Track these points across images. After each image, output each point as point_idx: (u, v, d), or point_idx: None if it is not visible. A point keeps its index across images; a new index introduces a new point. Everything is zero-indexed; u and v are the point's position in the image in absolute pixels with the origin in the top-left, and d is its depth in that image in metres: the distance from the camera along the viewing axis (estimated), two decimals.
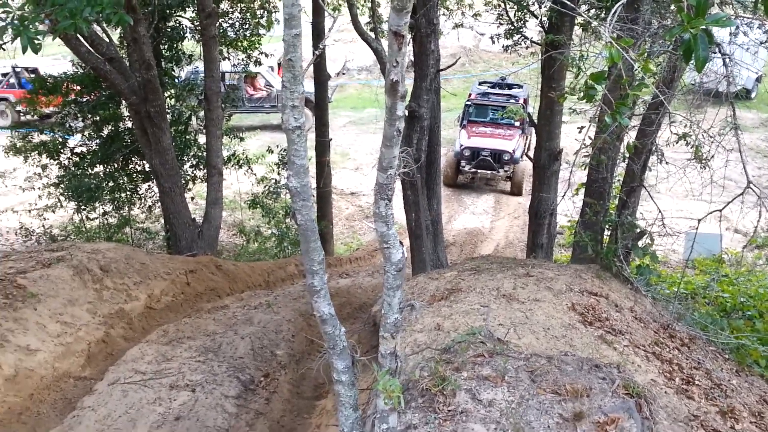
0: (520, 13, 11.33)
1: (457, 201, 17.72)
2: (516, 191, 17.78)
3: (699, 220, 6.05)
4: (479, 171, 17.74)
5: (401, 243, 3.08)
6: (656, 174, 7.05)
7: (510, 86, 19.26)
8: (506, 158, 17.29)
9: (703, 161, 6.49)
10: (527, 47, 11.86)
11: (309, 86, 15.47)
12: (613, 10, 3.40)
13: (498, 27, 12.11)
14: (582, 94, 3.41)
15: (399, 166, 2.91)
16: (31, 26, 4.16)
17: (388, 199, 2.92)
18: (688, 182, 6.54)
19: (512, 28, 11.63)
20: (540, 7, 10.78)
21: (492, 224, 16.64)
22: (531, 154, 12.33)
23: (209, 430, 4.91)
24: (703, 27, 2.40)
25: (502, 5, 11.72)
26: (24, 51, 4.14)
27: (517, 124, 18.15)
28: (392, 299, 3.05)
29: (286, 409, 5.66)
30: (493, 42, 12.39)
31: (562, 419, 3.27)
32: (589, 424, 3.26)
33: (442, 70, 8.53)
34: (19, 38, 4.04)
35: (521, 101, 18.11)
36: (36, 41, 4.05)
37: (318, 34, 13.10)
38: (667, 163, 6.88)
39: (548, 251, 9.93)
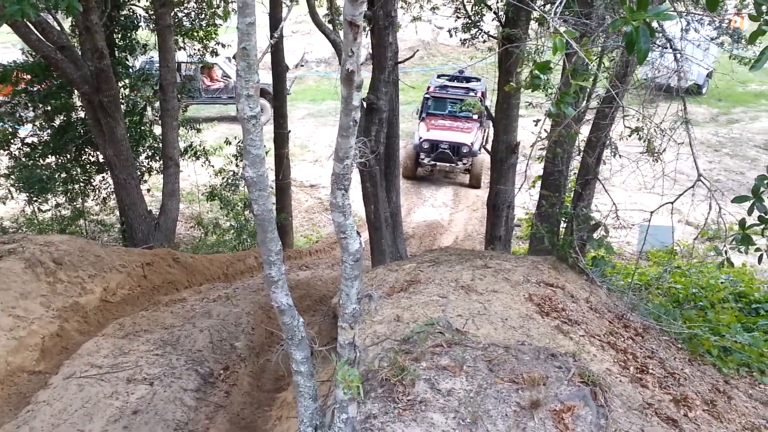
0: (477, 7, 11.41)
1: (416, 193, 17.82)
2: (475, 184, 17.90)
3: (651, 213, 6.21)
4: (438, 164, 17.75)
5: (359, 233, 3.10)
6: (610, 167, 7.20)
7: (468, 79, 19.34)
8: (465, 151, 17.36)
9: (655, 155, 6.65)
10: (484, 41, 11.96)
11: (267, 78, 15.35)
12: (559, 0, 3.48)
13: (455, 21, 12.19)
14: (528, 83, 3.47)
15: (356, 157, 2.93)
16: None
17: (345, 189, 2.93)
18: (641, 175, 6.70)
19: (469, 21, 11.72)
20: (497, 2, 10.88)
21: (451, 216, 16.78)
22: (489, 147, 12.48)
23: (168, 424, 4.88)
24: (645, 19, 2.47)
25: None
26: None
27: (475, 117, 18.28)
28: (350, 290, 3.06)
29: (246, 402, 5.64)
30: (451, 35, 12.46)
31: (520, 407, 3.34)
32: (545, 412, 3.34)
33: (400, 62, 8.56)
34: None
35: (479, 94, 18.22)
36: None
37: (275, 24, 12.98)
38: (620, 156, 7.03)
39: (506, 243, 10.07)
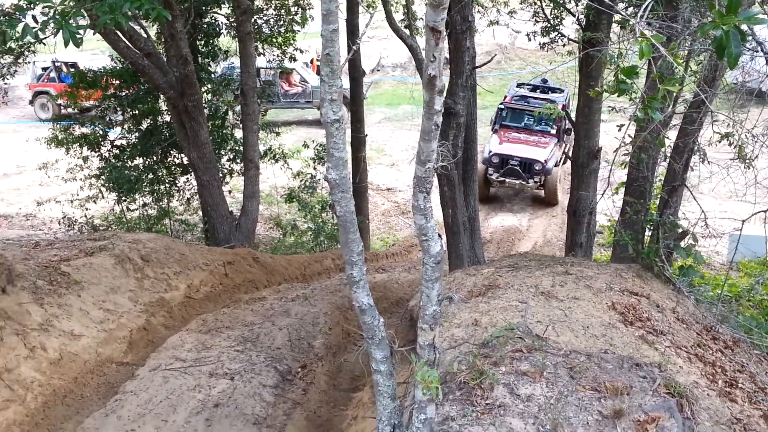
0: (556, 10, 11.26)
1: (495, 198, 17.64)
2: (550, 201, 16.92)
3: (743, 221, 5.96)
4: (507, 180, 16.55)
5: (440, 236, 3.10)
6: (698, 174, 6.97)
7: (551, 90, 18.28)
8: (537, 168, 16.18)
9: (747, 161, 6.40)
10: (564, 45, 11.77)
11: (344, 82, 15.50)
12: (645, 4, 3.39)
13: (534, 24, 12.05)
14: (614, 88, 3.40)
15: (437, 160, 2.94)
16: (72, 21, 4.26)
17: (427, 192, 2.95)
18: (732, 183, 6.45)
19: (548, 25, 11.56)
20: (577, 5, 10.70)
21: (530, 222, 16.54)
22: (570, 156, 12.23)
23: (247, 418, 4.98)
24: (735, 24, 2.39)
25: (538, 2, 11.66)
26: (66, 45, 4.24)
27: (554, 131, 17.14)
28: (431, 291, 3.07)
29: (322, 400, 5.71)
30: (530, 39, 12.33)
31: (602, 416, 3.27)
32: (629, 422, 3.25)
33: (477, 67, 8.52)
34: (60, 32, 4.12)
35: (560, 107, 16.84)
36: (77, 35, 4.14)
37: (353, 30, 13.15)
38: (709, 162, 6.79)
39: (587, 250, 9.86)
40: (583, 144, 9.81)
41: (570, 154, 13.99)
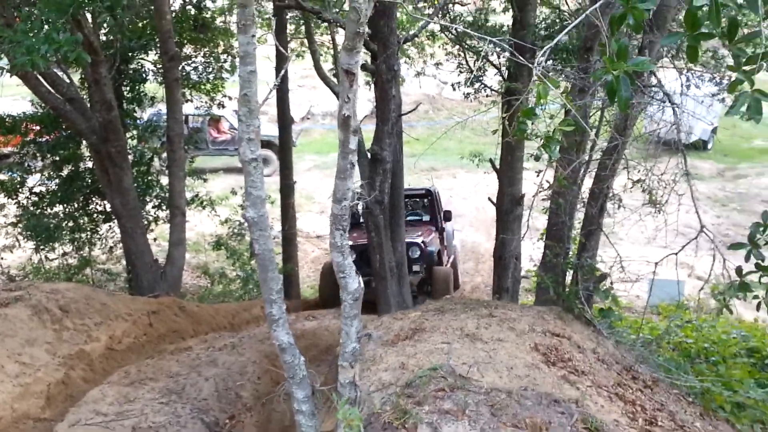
0: (479, 62, 11.69)
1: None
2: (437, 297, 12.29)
3: (656, 264, 6.24)
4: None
5: (358, 273, 3.17)
6: (614, 220, 7.28)
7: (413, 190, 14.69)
8: (415, 255, 12.13)
9: (657, 206, 6.74)
10: (487, 95, 12.20)
11: (273, 130, 15.60)
12: (541, 51, 3.63)
13: (458, 75, 12.46)
14: (515, 131, 3.59)
15: (353, 198, 3.03)
16: None
17: (344, 229, 3.04)
18: (645, 228, 6.76)
19: (472, 76, 11.98)
20: (498, 57, 11.14)
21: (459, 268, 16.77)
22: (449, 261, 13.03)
23: None
24: (624, 69, 2.60)
25: (462, 55, 12.08)
26: None
27: (428, 218, 14.49)
28: (350, 328, 3.13)
29: None
30: (454, 89, 12.74)
31: None
32: None
33: (403, 114, 8.72)
34: None
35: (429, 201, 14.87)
36: None
37: (282, 78, 13.29)
38: (624, 207, 7.12)
39: (513, 295, 10.09)
40: (506, 191, 10.12)
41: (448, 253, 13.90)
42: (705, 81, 10.34)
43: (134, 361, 7.18)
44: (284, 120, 13.96)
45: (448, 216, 14.42)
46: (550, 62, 10.14)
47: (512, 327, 5.34)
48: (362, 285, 3.09)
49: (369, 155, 8.18)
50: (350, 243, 9.33)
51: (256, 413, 6.11)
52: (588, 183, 7.16)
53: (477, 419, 3.52)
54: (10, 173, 11.75)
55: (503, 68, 11.18)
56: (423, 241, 12.64)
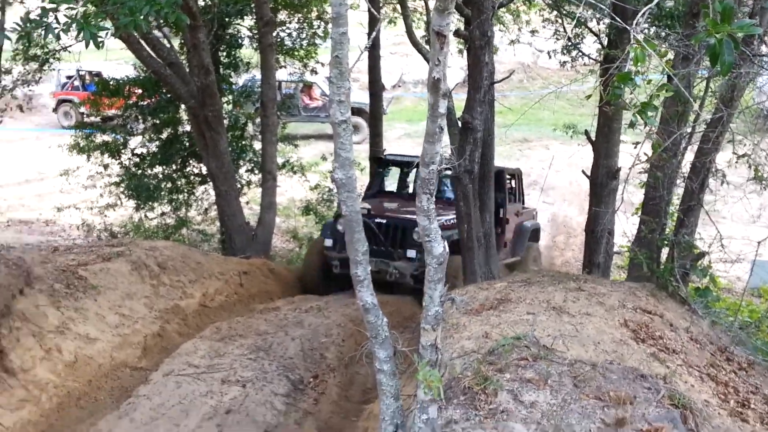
0: (577, 29, 11.30)
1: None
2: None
3: (758, 243, 5.93)
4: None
5: (443, 237, 3.15)
6: (715, 196, 6.94)
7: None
8: (415, 238, 8.93)
9: (764, 183, 6.37)
10: (584, 64, 11.80)
11: (364, 97, 15.64)
12: (641, 12, 3.45)
13: (555, 42, 12.09)
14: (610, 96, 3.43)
15: (441, 162, 3.00)
16: (93, 23, 4.33)
17: (430, 193, 3.02)
18: (750, 206, 6.41)
19: (569, 44, 11.60)
20: (598, 23, 10.73)
21: (548, 242, 16.41)
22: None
23: (258, 425, 5.01)
24: (728, 32, 2.44)
25: (559, 21, 11.70)
26: (87, 46, 4.32)
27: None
28: (433, 292, 3.11)
29: (334, 411, 5.73)
30: (550, 57, 12.37)
31: (604, 424, 3.28)
32: (631, 431, 3.25)
33: (496, 82, 8.53)
34: (82, 34, 4.19)
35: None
36: (99, 38, 4.21)
37: (374, 44, 13.25)
38: (727, 184, 6.76)
39: (605, 270, 9.81)
40: (601, 163, 9.80)
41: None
42: None
43: (225, 319, 7.45)
44: (375, 87, 13.92)
45: (536, 235, 12.21)
46: (653, 29, 9.70)
47: (601, 302, 5.21)
48: (447, 249, 3.06)
49: (460, 123, 8.07)
50: (367, 210, 8.48)
51: (339, 374, 6.24)
52: (689, 157, 6.84)
53: (559, 389, 3.47)
54: (113, 135, 12.26)
55: (602, 35, 10.76)
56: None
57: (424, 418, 3.07)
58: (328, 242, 9.48)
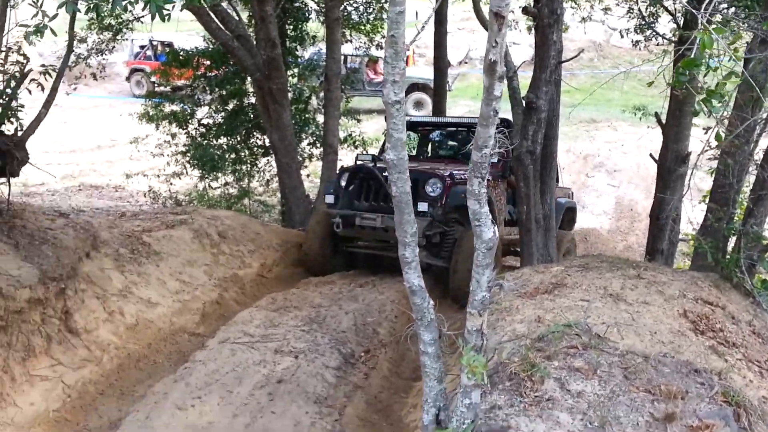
0: (652, 7, 10.91)
1: (575, 199, 17.20)
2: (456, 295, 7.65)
3: None
4: (363, 219, 7.93)
5: (494, 222, 3.11)
6: None
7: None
8: (431, 191, 7.85)
9: None
10: (658, 44, 11.41)
11: (429, 73, 15.53)
12: None
13: (628, 21, 11.72)
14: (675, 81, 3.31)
15: (494, 146, 2.95)
16: None
17: (482, 177, 2.98)
18: None
19: (643, 23, 11.23)
20: (674, 2, 10.33)
21: (611, 225, 16.09)
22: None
23: (308, 396, 5.08)
24: None
25: None
26: (152, 19, 4.38)
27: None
28: (481, 277, 3.08)
29: (384, 386, 5.77)
30: (622, 36, 12.02)
31: (653, 418, 3.21)
32: (681, 427, 3.18)
33: (563, 62, 8.33)
34: (148, 7, 4.24)
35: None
36: (165, 10, 4.27)
37: (440, 20, 13.12)
38: None
39: (668, 258, 9.56)
40: (671, 148, 9.51)
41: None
42: None
43: (281, 290, 7.58)
44: (440, 63, 13.82)
45: (571, 215, 11.16)
46: (732, 10, 9.28)
47: (661, 291, 5.07)
48: (497, 234, 3.02)
49: (524, 103, 7.93)
50: (373, 160, 7.93)
51: (390, 350, 6.27)
52: (763, 144, 6.56)
53: (608, 380, 3.40)
54: (182, 105, 12.53)
55: (679, 14, 10.36)
56: (453, 179, 8.03)
57: (466, 403, 3.07)
58: (329, 198, 8.49)
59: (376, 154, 8.86)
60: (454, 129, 10.45)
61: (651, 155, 10.12)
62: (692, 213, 7.86)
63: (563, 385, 3.34)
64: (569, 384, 3.35)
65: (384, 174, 7.54)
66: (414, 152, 10.38)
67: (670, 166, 9.43)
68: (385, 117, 3.10)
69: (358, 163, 8.49)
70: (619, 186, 17.86)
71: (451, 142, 10.50)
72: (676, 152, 9.43)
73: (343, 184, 8.40)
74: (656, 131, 10.05)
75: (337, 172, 9.57)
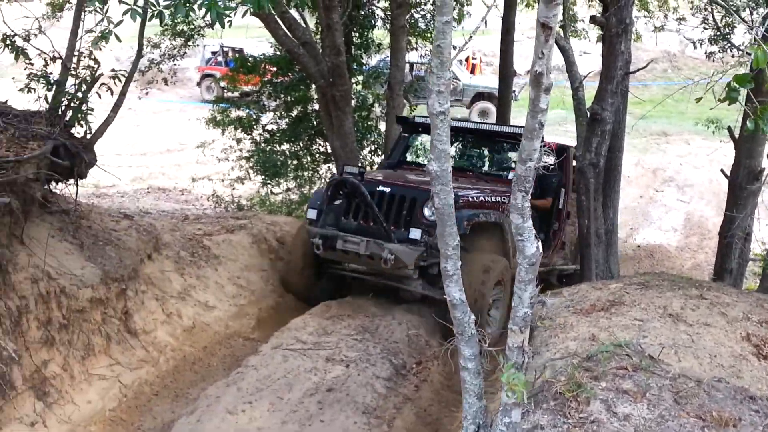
0: (728, 18, 10.55)
1: (643, 214, 16.76)
2: None
3: None
4: (346, 243, 6.73)
5: (537, 237, 3.05)
6: None
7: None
8: (429, 214, 6.61)
9: None
10: (733, 55, 11.03)
11: (495, 82, 15.40)
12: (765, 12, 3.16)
13: (702, 32, 11.36)
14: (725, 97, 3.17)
15: (539, 159, 2.89)
16: (220, 2, 4.45)
17: (526, 191, 2.93)
18: None
19: (717, 33, 10.87)
20: (751, 12, 9.96)
21: (679, 242, 15.56)
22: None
23: (358, 406, 5.08)
24: None
25: (708, 9, 10.97)
26: (212, 26, 4.45)
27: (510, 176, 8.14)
28: (523, 293, 3.03)
29: (434, 399, 5.72)
30: (695, 47, 11.65)
31: None
32: None
33: (631, 72, 8.12)
34: (209, 14, 4.31)
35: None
36: (226, 17, 4.33)
37: (508, 28, 12.99)
38: None
39: (738, 278, 9.18)
40: (743, 163, 9.16)
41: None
42: None
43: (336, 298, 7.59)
44: (506, 72, 13.66)
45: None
46: None
47: (723, 312, 4.87)
48: (540, 250, 2.96)
49: (588, 114, 7.77)
50: (360, 174, 6.53)
51: (442, 362, 6.21)
52: None
53: (657, 404, 3.28)
54: (248, 110, 12.75)
55: (756, 25, 9.98)
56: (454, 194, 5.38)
57: (506, 422, 3.01)
58: (311, 214, 7.16)
59: (362, 166, 7.85)
60: (473, 137, 9.40)
61: (722, 171, 9.76)
62: (763, 232, 7.54)
63: (609, 408, 3.24)
64: (616, 406, 3.25)
65: (378, 188, 6.84)
66: (422, 159, 9.46)
67: (742, 182, 9.06)
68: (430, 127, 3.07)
69: (344, 175, 6.90)
70: (689, 201, 17.26)
71: (470, 152, 9.49)
72: (749, 168, 9.06)
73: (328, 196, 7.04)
74: (729, 146, 9.68)
75: (326, 183, 8.52)
